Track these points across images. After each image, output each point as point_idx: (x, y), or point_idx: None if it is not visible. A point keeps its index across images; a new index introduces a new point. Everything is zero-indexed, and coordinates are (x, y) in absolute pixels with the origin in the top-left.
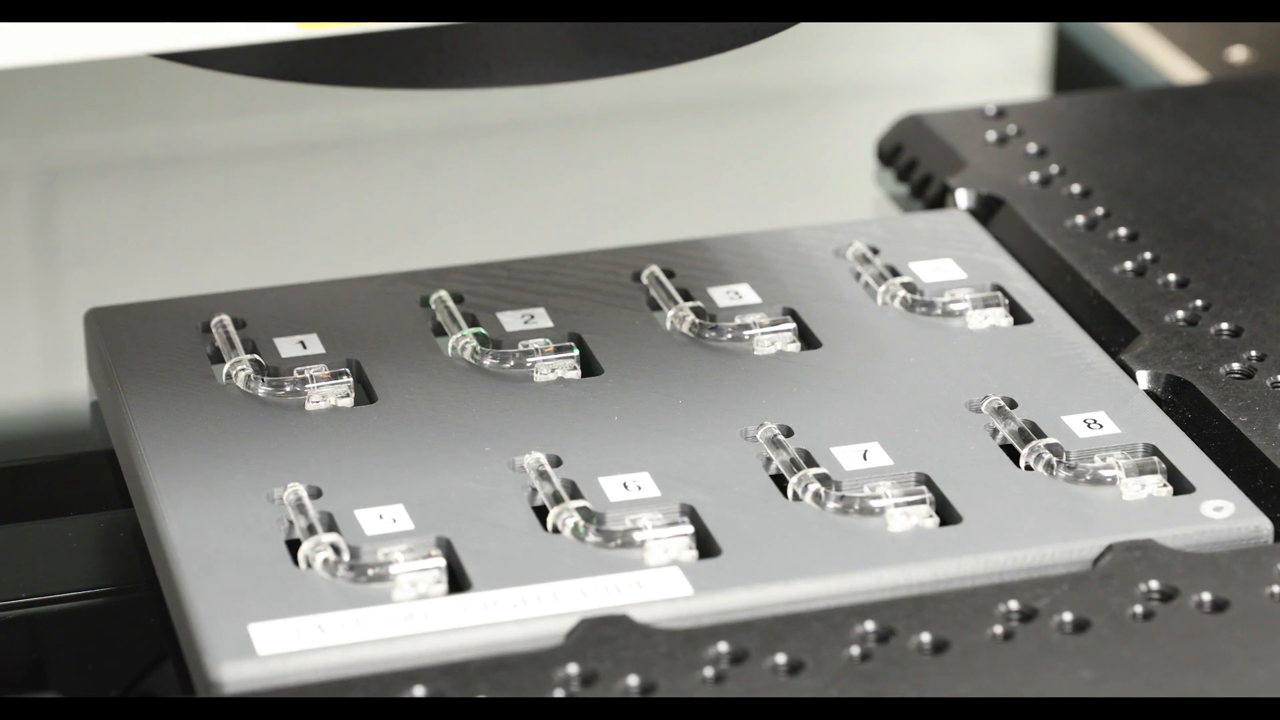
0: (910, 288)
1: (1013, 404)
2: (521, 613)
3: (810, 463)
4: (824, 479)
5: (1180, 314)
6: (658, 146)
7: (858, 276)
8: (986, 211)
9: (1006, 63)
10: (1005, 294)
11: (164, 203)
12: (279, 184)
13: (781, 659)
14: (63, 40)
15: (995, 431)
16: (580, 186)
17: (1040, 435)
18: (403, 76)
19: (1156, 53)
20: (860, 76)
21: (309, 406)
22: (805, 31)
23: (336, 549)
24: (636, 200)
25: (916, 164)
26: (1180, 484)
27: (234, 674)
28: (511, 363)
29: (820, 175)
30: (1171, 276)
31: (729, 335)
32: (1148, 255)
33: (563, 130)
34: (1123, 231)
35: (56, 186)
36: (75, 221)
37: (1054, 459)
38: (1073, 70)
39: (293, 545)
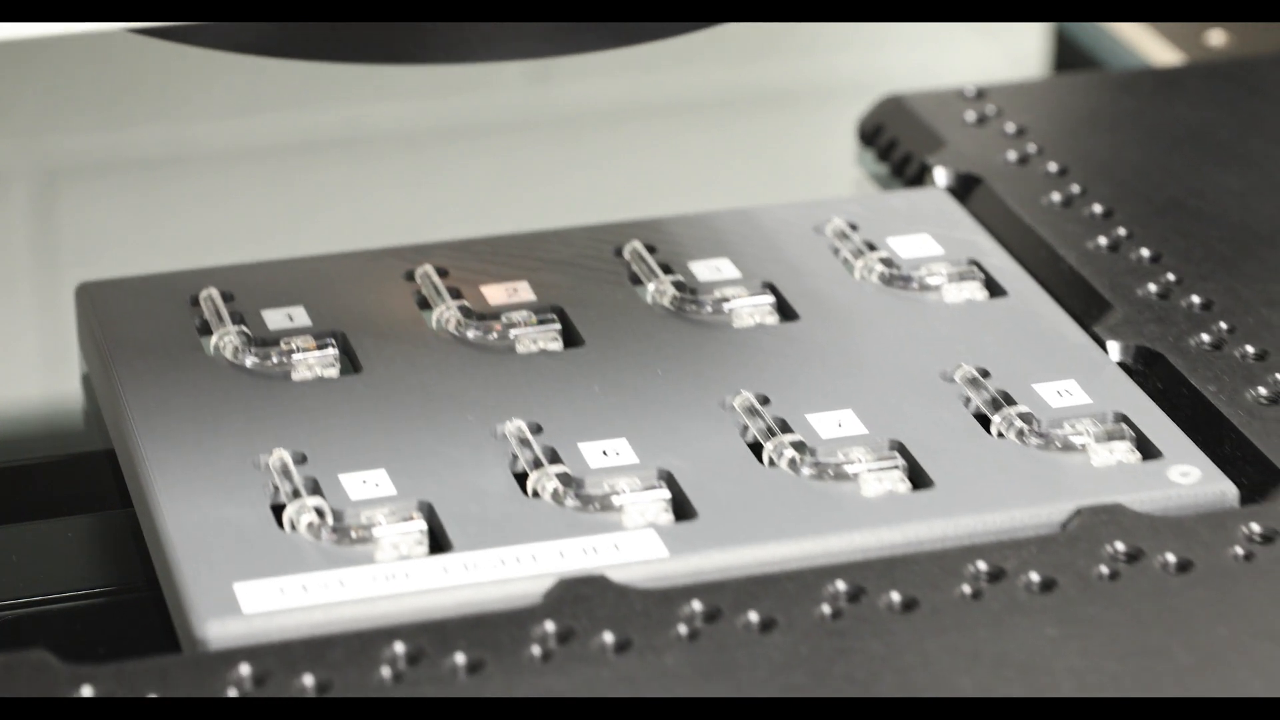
0: (887, 262)
1: (985, 374)
2: (500, 573)
3: (786, 430)
4: (799, 445)
5: (1152, 287)
6: (658, 146)
7: (836, 252)
8: (965, 190)
9: (1006, 62)
10: (981, 268)
11: (164, 203)
12: (279, 184)
13: (754, 617)
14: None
15: (968, 400)
16: (580, 186)
17: (1012, 404)
18: (385, 53)
19: (1135, 36)
20: (860, 76)
21: (295, 376)
22: (805, 32)
23: (320, 512)
24: (636, 199)
25: (897, 144)
26: (1149, 451)
27: (219, 631)
28: (495, 334)
29: (804, 157)
30: (1145, 251)
31: (709, 308)
32: (1122, 231)
33: (563, 130)
34: (1098, 208)
35: (56, 186)
36: (75, 221)
37: (1025, 426)
38: (1073, 70)
39: (278, 509)
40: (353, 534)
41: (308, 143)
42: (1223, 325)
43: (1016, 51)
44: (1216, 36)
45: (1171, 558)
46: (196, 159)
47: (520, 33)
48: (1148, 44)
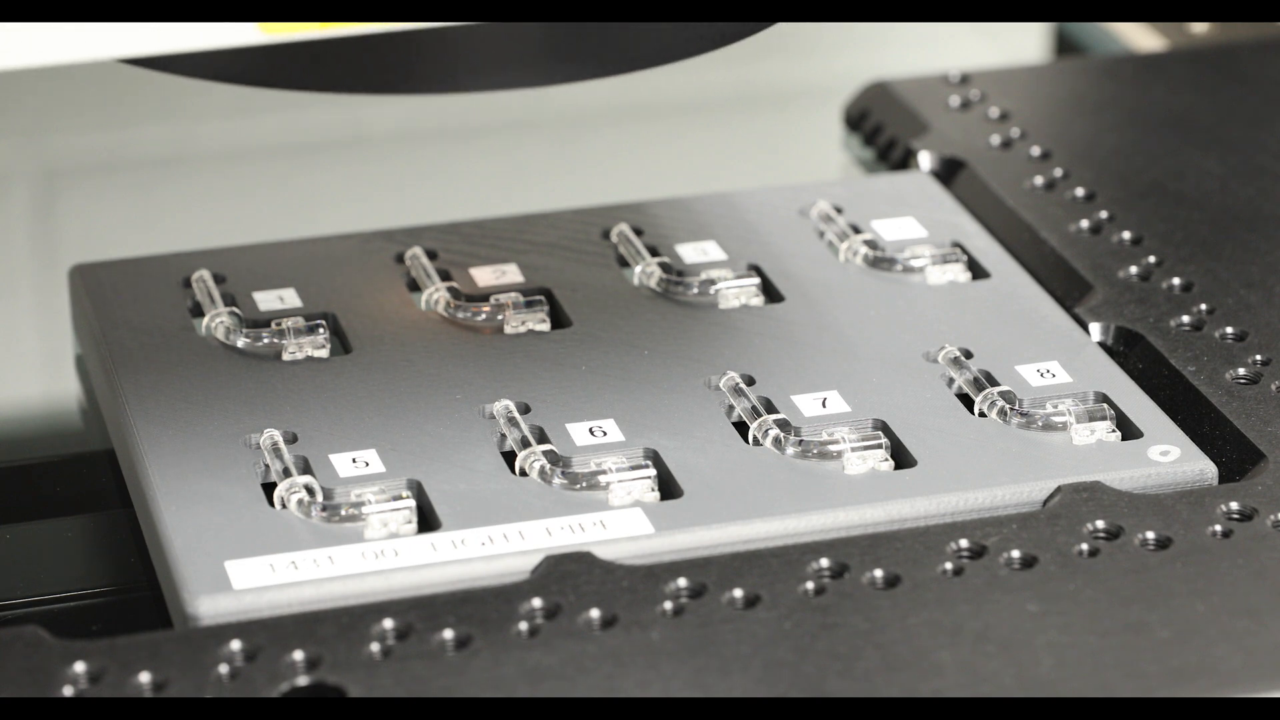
0: (872, 244)
1: (968, 354)
2: (488, 550)
3: (771, 409)
4: (783, 424)
5: (1133, 269)
6: (645, 133)
7: (821, 234)
8: (949, 174)
9: (993, 49)
10: (964, 251)
11: (164, 203)
12: (279, 184)
13: (739, 593)
14: (25, 44)
15: (951, 380)
16: (571, 175)
17: (994, 384)
18: (369, 82)
19: (1118, 22)
20: (846, 63)
21: (285, 357)
22: (803, 33)
23: (311, 490)
24: (625, 185)
25: (882, 128)
26: (1129, 430)
27: (210, 607)
28: (483, 316)
29: (791, 143)
30: (1126, 234)
31: (695, 290)
32: (1104, 214)
33: (563, 130)
34: (1080, 192)
35: (56, 186)
36: (75, 221)
37: (1007, 406)
38: (1057, 56)
39: (269, 488)
40: (342, 512)
41: (306, 142)
42: (1202, 307)
43: (1003, 38)
44: (1198, 23)
45: (1151, 535)
46: (196, 159)
47: (505, 62)
48: (1131, 30)
